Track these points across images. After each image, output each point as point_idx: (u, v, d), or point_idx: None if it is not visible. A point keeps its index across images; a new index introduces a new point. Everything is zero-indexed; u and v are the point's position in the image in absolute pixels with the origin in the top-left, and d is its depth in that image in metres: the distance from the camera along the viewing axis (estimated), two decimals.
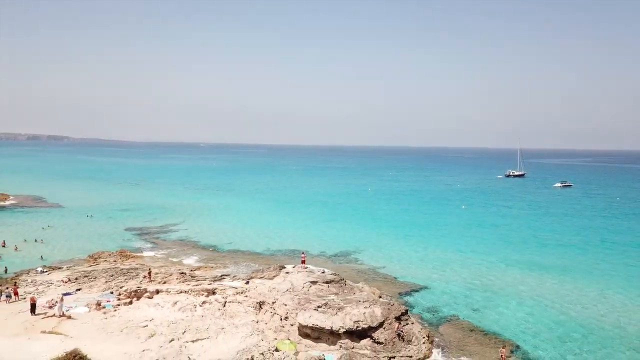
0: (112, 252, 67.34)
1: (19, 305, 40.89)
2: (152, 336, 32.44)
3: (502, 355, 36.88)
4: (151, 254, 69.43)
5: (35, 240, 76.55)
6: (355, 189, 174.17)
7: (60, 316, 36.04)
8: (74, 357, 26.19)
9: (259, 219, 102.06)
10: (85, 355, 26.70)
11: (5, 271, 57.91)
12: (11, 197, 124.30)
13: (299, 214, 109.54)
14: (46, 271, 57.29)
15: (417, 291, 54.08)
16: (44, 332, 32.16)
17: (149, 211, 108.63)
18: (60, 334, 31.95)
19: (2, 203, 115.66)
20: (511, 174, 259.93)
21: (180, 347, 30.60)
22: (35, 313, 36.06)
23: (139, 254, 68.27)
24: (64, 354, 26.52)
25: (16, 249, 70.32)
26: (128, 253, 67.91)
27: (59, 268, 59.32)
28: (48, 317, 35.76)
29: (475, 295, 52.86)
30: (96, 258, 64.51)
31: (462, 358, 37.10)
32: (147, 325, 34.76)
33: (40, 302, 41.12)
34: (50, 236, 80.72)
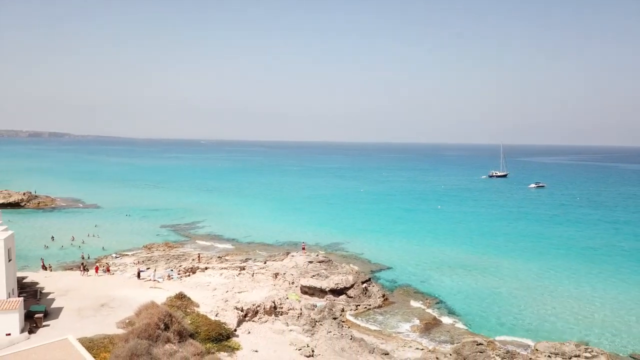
0: (160, 244, 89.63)
1: (115, 276, 62.83)
2: (215, 289, 54.81)
3: (427, 304, 59.41)
4: (189, 244, 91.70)
5: (93, 236, 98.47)
6: (349, 189, 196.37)
7: (154, 280, 58.30)
8: (181, 295, 48.55)
9: (267, 217, 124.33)
10: (186, 295, 49.09)
11: (88, 257, 79.89)
12: (56, 199, 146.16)
13: (300, 213, 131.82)
14: (118, 257, 79.49)
15: (384, 270, 76.48)
16: (152, 287, 54.46)
17: (175, 211, 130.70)
18: (161, 288, 54.19)
19: (52, 205, 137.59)
20: (494, 174, 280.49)
21: (233, 294, 52.97)
22: (140, 278, 58.28)
23: (179, 245, 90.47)
24: (175, 294, 48.88)
25: (83, 242, 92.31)
26: (171, 244, 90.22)
27: (126, 255, 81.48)
28: (147, 280, 58.00)
29: (426, 272, 75.13)
30: (150, 248, 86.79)
31: (399, 307, 59.48)
32: (209, 285, 57.14)
33: (127, 275, 63.26)
34: (102, 232, 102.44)
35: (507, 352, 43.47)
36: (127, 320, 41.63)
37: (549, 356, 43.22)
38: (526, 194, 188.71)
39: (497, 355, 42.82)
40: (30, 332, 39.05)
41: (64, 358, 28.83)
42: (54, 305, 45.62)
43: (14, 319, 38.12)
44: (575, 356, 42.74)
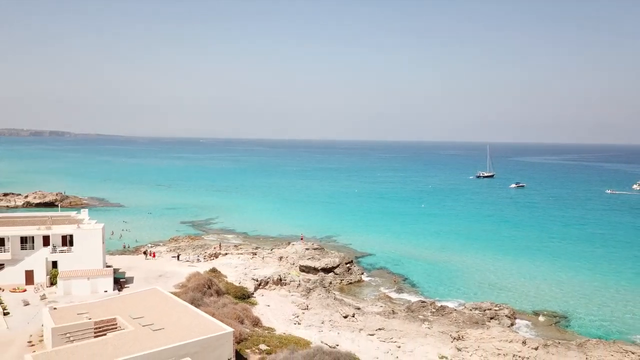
0: (184, 236, 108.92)
1: (159, 259, 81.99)
2: (236, 267, 74.28)
3: (395, 280, 78.89)
4: (207, 237, 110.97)
5: (127, 230, 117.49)
6: (343, 190, 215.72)
7: (189, 261, 77.68)
8: (214, 270, 68.01)
9: (271, 214, 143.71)
10: (217, 269, 68.54)
11: (128, 247, 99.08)
12: (84, 199, 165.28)
13: (299, 211, 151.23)
14: (152, 246, 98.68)
15: (366, 256, 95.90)
16: (189, 266, 73.86)
17: (190, 209, 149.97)
18: (196, 266, 73.57)
19: (81, 204, 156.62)
20: (481, 175, 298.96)
21: (249, 270, 72.47)
22: (179, 260, 77.67)
23: (200, 238, 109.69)
24: (209, 269, 68.33)
25: (121, 236, 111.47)
26: (193, 237, 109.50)
27: (158, 245, 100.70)
28: (185, 261, 77.37)
29: (398, 258, 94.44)
30: (176, 239, 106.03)
31: (374, 281, 78.89)
32: (230, 264, 76.58)
33: (167, 258, 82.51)
34: (132, 227, 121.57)
35: (441, 306, 62.90)
36: (180, 284, 60.99)
37: (470, 310, 62.57)
38: (504, 194, 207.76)
39: (434, 308, 62.28)
40: (119, 290, 58.41)
41: (158, 298, 47.75)
42: (127, 275, 64.98)
43: (109, 281, 57.56)
44: (488, 309, 62.09)
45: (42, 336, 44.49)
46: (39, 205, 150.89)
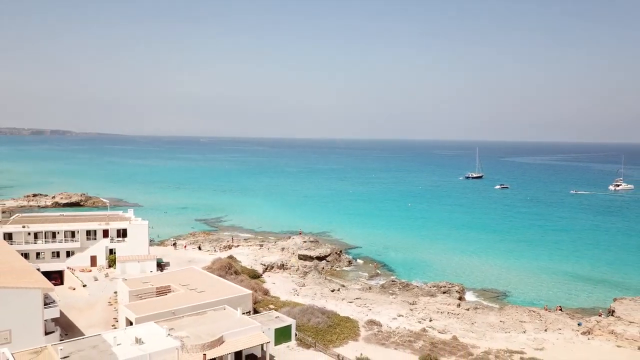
0: (200, 232, 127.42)
1: (182, 250, 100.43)
2: (247, 255, 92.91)
3: (375, 266, 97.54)
4: (220, 233, 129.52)
5: (150, 227, 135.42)
6: (339, 190, 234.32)
7: (208, 251, 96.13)
8: (230, 256, 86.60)
9: (274, 213, 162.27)
10: (233, 256, 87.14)
11: (153, 241, 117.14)
12: (105, 200, 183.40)
13: (298, 209, 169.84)
14: (175, 240, 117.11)
15: (354, 247, 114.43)
16: (209, 254, 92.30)
17: (202, 209, 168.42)
18: (215, 254, 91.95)
19: (103, 204, 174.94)
20: (470, 176, 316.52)
21: (258, 257, 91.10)
22: (200, 250, 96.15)
23: (213, 234, 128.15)
24: (227, 256, 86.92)
25: None
26: (208, 232, 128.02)
27: (179, 239, 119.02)
28: (206, 251, 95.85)
29: (381, 249, 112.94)
30: (194, 234, 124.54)
31: (358, 267, 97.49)
32: (242, 253, 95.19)
33: (190, 249, 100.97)
34: (153, 224, 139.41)
35: (407, 284, 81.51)
36: (207, 266, 79.45)
37: (430, 287, 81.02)
38: (487, 195, 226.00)
39: (401, 284, 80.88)
40: (160, 271, 76.89)
41: (196, 274, 66.08)
42: (164, 261, 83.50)
43: (154, 264, 76.12)
44: (443, 286, 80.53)
45: (116, 299, 63.00)
46: (66, 205, 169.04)
